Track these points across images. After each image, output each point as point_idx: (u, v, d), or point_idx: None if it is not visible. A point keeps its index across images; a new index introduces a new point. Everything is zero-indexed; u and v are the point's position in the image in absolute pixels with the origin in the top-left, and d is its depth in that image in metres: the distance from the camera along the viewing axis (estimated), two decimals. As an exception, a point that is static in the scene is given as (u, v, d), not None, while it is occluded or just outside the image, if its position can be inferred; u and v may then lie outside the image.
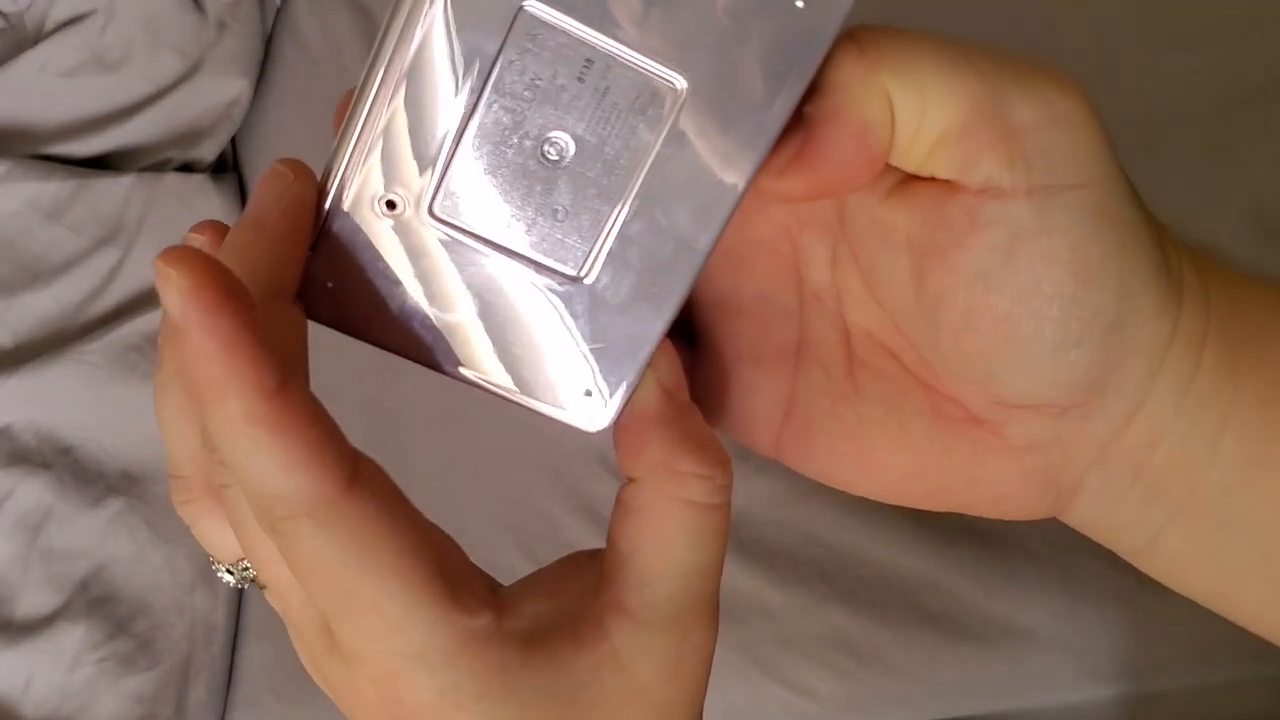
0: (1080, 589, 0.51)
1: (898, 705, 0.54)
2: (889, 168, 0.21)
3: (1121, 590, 0.50)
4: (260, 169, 0.81)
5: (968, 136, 0.20)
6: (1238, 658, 0.49)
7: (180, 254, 0.18)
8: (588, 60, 0.19)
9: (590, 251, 0.21)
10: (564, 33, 0.19)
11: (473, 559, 0.23)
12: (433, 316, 0.21)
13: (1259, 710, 0.50)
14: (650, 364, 0.22)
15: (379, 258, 0.21)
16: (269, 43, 0.83)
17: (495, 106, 0.20)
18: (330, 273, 0.21)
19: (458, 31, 0.19)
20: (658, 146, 0.20)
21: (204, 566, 0.68)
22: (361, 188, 0.20)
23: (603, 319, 0.21)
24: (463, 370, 0.22)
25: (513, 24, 0.19)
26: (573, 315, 0.21)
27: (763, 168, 0.21)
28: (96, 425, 0.68)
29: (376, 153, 0.20)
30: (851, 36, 0.20)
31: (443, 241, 0.21)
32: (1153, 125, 0.61)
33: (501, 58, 0.19)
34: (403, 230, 0.21)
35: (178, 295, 0.18)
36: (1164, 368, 0.22)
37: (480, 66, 0.19)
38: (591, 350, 0.22)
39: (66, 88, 0.74)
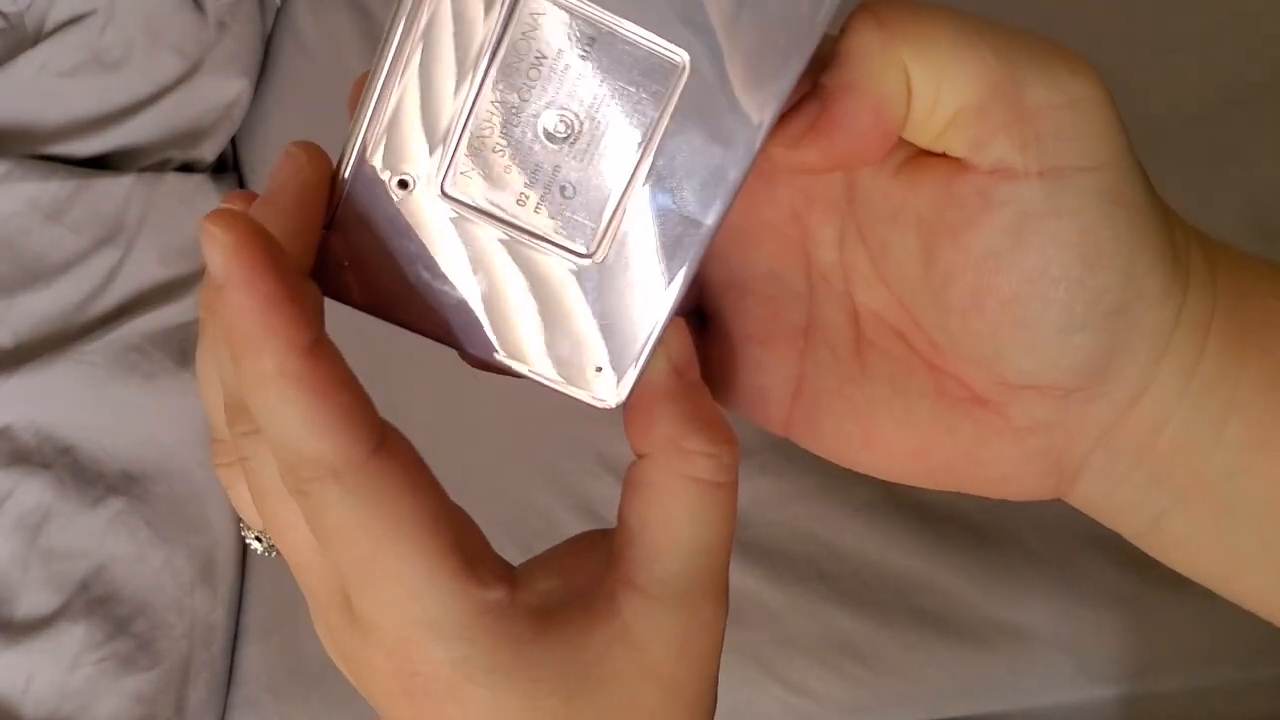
0: (1079, 589, 0.51)
1: (897, 705, 0.54)
2: (901, 142, 0.21)
3: (1121, 591, 0.50)
4: (260, 169, 0.81)
5: (983, 115, 0.20)
6: (1237, 659, 0.49)
7: (225, 214, 0.19)
8: (591, 37, 0.20)
9: (599, 229, 0.21)
10: (567, 9, 0.19)
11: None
12: (445, 293, 0.22)
13: (1259, 711, 0.50)
14: (661, 341, 0.22)
15: (393, 236, 0.21)
16: (269, 43, 0.83)
17: (502, 85, 0.20)
18: (345, 251, 0.21)
19: (464, 11, 0.19)
20: (663, 122, 0.20)
21: (204, 567, 0.68)
22: (375, 167, 0.21)
23: (613, 296, 0.22)
24: (475, 346, 0.22)
25: (517, 2, 0.19)
26: (584, 292, 0.22)
27: (775, 139, 0.21)
28: (97, 425, 0.68)
29: (389, 133, 0.21)
30: (869, 8, 0.20)
31: (454, 220, 0.21)
32: (1153, 125, 0.61)
33: (507, 36, 0.20)
34: (415, 209, 0.21)
35: (221, 252, 0.18)
36: (1169, 351, 0.22)
37: (486, 45, 0.20)
38: (602, 327, 0.22)
39: (66, 88, 0.74)
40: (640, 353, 0.22)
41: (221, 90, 0.78)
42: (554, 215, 0.21)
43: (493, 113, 0.20)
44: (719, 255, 0.25)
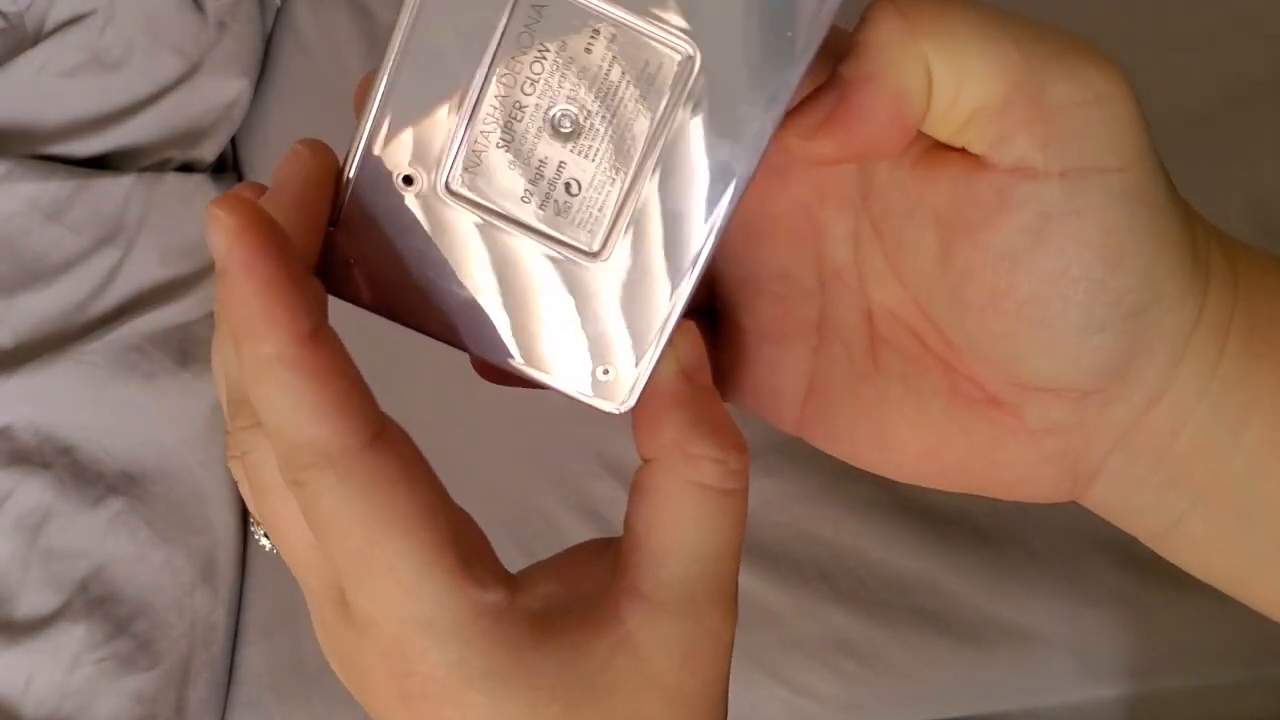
0: (1081, 589, 0.51)
1: (898, 706, 0.53)
2: (919, 134, 0.21)
3: (1124, 591, 0.50)
4: (260, 169, 0.81)
5: (1005, 113, 0.20)
6: (1240, 659, 0.49)
7: (231, 198, 0.19)
8: (594, 30, 0.19)
9: (605, 227, 0.21)
10: (569, 3, 0.19)
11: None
12: (449, 292, 0.21)
13: (1263, 711, 0.49)
14: (670, 343, 0.22)
15: (397, 234, 0.21)
16: (269, 43, 0.83)
17: (505, 81, 0.20)
18: (350, 248, 0.21)
19: (466, 7, 0.19)
20: (669, 118, 0.20)
21: (205, 567, 0.68)
22: (380, 165, 0.21)
23: (621, 296, 0.21)
24: (479, 347, 0.22)
25: None
26: (590, 292, 0.21)
27: (791, 129, 0.20)
28: (97, 425, 0.68)
29: (393, 130, 0.20)
30: None
31: (459, 217, 0.21)
32: (1153, 125, 0.61)
33: (508, 31, 0.19)
34: (420, 207, 0.21)
35: (225, 235, 0.18)
36: (1188, 354, 0.22)
37: (487, 40, 0.19)
38: (609, 328, 0.22)
39: (66, 88, 0.74)
40: (648, 355, 0.22)
41: (221, 90, 0.78)
42: (559, 213, 0.21)
43: (496, 109, 0.20)
44: (730, 252, 0.25)
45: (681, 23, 0.19)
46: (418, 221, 0.21)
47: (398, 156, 0.20)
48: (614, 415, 0.22)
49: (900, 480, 0.25)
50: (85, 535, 0.65)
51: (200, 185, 0.77)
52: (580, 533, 0.60)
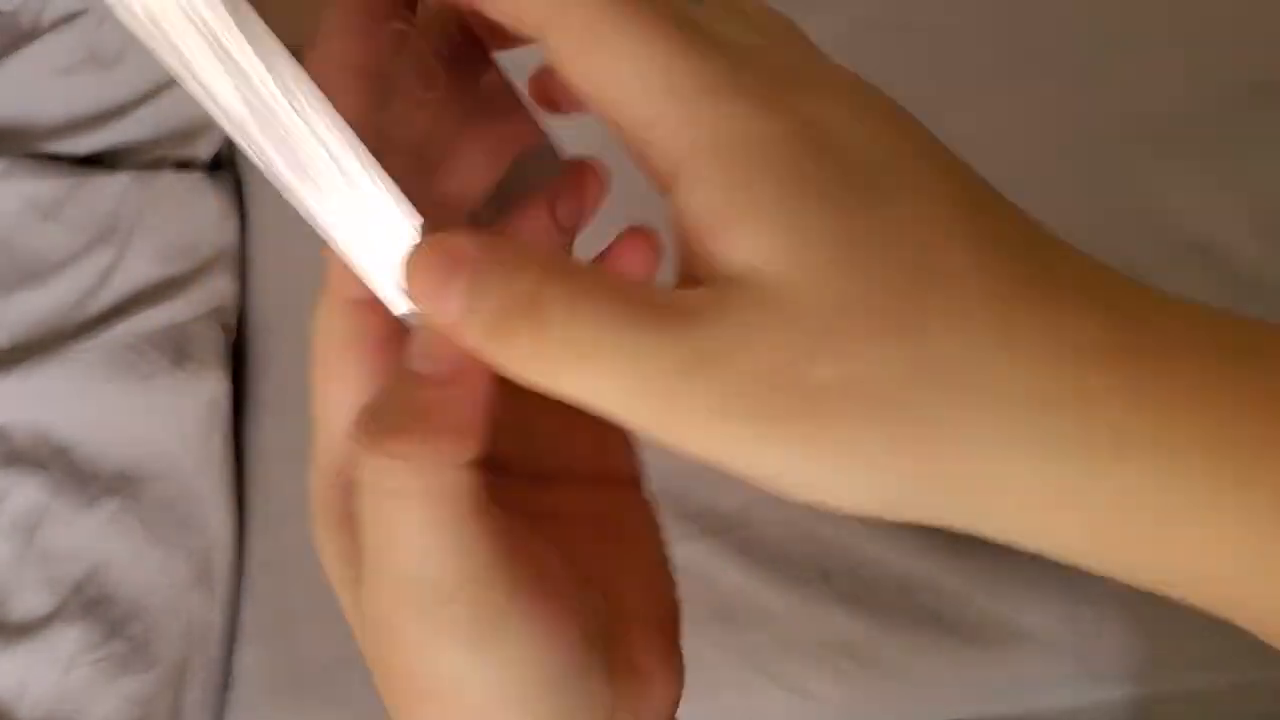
0: (1081, 591, 0.51)
1: (897, 707, 0.53)
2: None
3: (1122, 592, 0.50)
4: (256, 167, 0.80)
5: None
6: (1239, 661, 0.49)
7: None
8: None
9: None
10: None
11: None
12: None
13: (1262, 712, 0.49)
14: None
15: None
16: (266, 41, 0.82)
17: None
18: None
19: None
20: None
21: (201, 568, 0.68)
22: None
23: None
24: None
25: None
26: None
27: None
28: (93, 425, 0.68)
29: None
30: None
31: None
32: (1153, 125, 0.61)
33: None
34: None
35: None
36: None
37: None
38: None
39: (62, 85, 0.74)
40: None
41: (218, 88, 0.78)
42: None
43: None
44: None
45: None
46: None
47: None
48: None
49: None
50: (81, 536, 0.65)
51: (196, 183, 0.77)
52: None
